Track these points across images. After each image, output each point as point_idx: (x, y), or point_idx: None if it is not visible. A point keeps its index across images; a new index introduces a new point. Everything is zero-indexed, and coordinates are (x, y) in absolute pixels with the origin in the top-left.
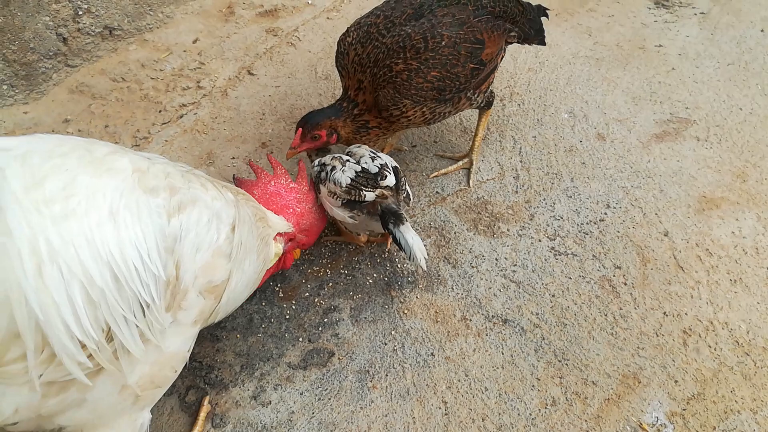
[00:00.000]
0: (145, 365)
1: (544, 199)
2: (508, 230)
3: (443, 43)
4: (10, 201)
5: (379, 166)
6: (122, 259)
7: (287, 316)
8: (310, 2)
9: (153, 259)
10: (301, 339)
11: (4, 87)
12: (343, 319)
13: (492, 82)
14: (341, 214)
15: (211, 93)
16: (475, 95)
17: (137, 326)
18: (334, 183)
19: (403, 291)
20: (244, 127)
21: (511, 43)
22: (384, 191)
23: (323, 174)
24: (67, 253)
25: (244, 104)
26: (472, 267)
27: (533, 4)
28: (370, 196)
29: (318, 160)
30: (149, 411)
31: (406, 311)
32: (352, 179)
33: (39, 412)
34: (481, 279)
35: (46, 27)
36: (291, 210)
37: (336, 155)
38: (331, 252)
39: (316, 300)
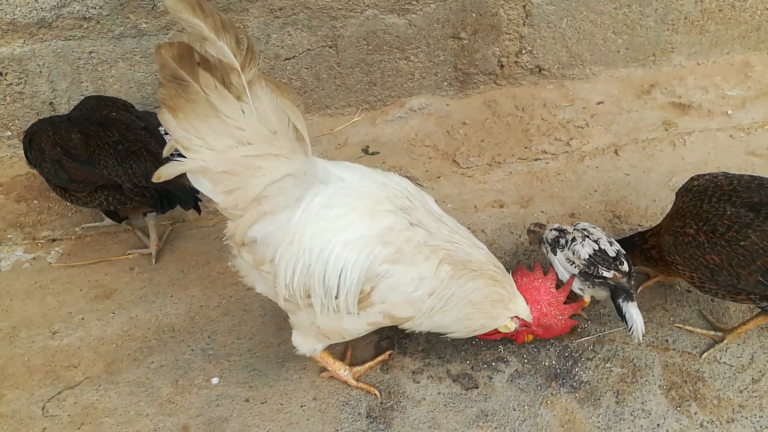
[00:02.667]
0: (327, 321)
1: (761, 416)
2: (695, 414)
3: (743, 242)
4: (305, 206)
5: (616, 252)
6: (332, 267)
7: (473, 342)
8: (729, 113)
9: (351, 277)
10: (468, 362)
11: (444, 83)
12: (503, 372)
13: None
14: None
15: (571, 153)
16: (761, 300)
17: (325, 301)
18: (573, 253)
19: (562, 388)
20: (571, 192)
21: None
22: (618, 274)
23: (562, 241)
24: (308, 245)
25: (588, 174)
26: (632, 415)
27: None
28: (608, 275)
29: (557, 225)
30: (322, 345)
31: (548, 402)
32: (590, 255)
33: (275, 299)
34: (630, 429)
35: (493, 54)
36: (539, 306)
37: (576, 227)
38: None
39: (499, 347)
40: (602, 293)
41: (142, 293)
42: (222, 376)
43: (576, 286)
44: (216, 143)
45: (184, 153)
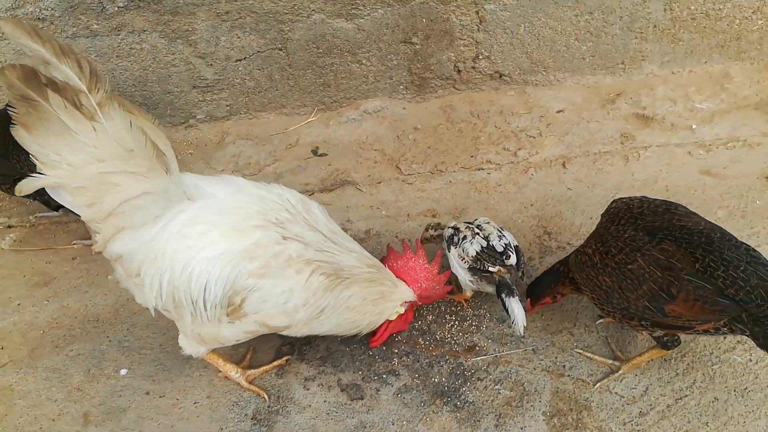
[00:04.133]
0: (203, 329)
1: None
2: None
3: (630, 266)
4: (167, 224)
5: (504, 246)
6: (196, 283)
7: (370, 353)
8: (694, 128)
9: (215, 292)
10: (360, 372)
11: (401, 87)
12: (392, 386)
13: (679, 334)
14: (463, 275)
15: (517, 164)
16: (652, 327)
17: (194, 313)
18: (463, 250)
19: (445, 406)
20: (507, 205)
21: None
22: (503, 269)
23: (456, 238)
24: (171, 262)
25: (529, 187)
26: None
27: None
28: (493, 269)
29: (454, 223)
30: (205, 348)
31: (428, 420)
32: (478, 252)
33: (154, 311)
34: None
35: (448, 59)
36: (419, 284)
37: (469, 224)
38: (439, 340)
39: (395, 359)
40: (488, 288)
41: (78, 283)
42: (131, 368)
43: (467, 279)
44: (73, 159)
45: (40, 168)
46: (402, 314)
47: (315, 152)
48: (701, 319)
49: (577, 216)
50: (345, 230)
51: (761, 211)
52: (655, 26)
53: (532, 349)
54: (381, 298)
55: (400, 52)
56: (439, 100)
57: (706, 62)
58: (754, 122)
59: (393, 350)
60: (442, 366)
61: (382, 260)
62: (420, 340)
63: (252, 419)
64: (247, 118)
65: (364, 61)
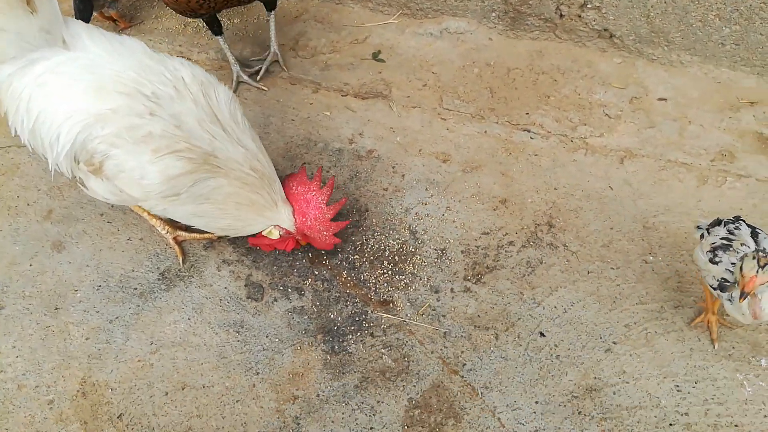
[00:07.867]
0: (77, 173)
1: None
2: None
3: None
4: (32, 68)
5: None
6: (47, 132)
7: (291, 263)
8: None
9: (61, 147)
10: (272, 276)
11: (493, 14)
12: (290, 301)
13: None
14: None
15: (569, 139)
16: None
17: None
18: None
19: (323, 344)
20: (526, 179)
21: None
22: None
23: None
24: (27, 106)
25: (566, 168)
26: (358, 406)
27: None
28: None
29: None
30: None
31: (299, 349)
32: None
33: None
34: (342, 414)
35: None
36: (305, 219)
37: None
38: (361, 281)
39: (309, 280)
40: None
41: None
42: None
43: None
44: None
45: None
46: (281, 239)
47: (375, 56)
48: None
49: (597, 221)
50: (350, 143)
51: None
52: None
53: (444, 332)
54: (249, 206)
55: None
56: (532, 42)
57: None
58: None
59: (314, 271)
60: (347, 306)
61: (288, 177)
62: (344, 273)
63: (160, 274)
64: (334, 2)
65: None
